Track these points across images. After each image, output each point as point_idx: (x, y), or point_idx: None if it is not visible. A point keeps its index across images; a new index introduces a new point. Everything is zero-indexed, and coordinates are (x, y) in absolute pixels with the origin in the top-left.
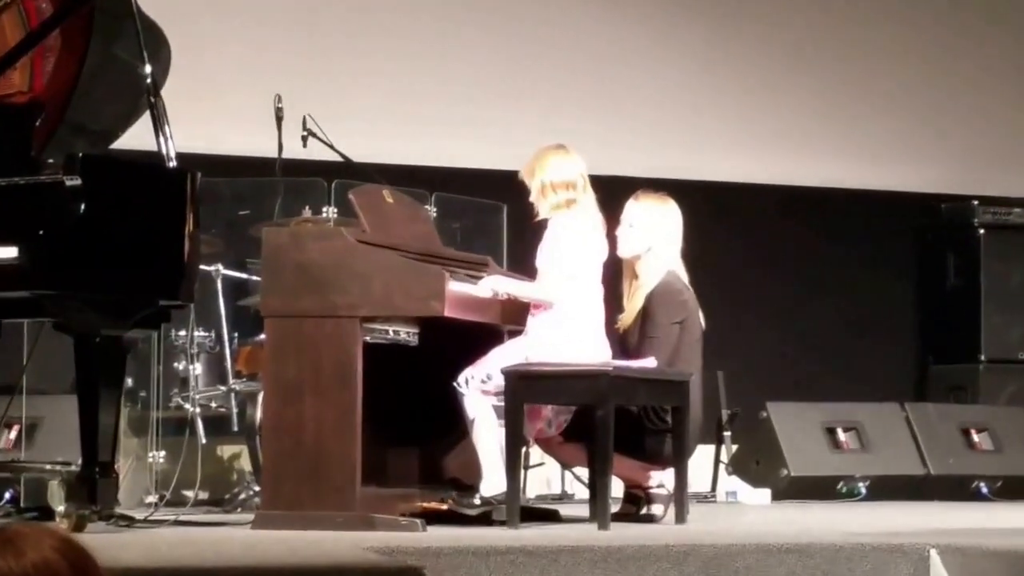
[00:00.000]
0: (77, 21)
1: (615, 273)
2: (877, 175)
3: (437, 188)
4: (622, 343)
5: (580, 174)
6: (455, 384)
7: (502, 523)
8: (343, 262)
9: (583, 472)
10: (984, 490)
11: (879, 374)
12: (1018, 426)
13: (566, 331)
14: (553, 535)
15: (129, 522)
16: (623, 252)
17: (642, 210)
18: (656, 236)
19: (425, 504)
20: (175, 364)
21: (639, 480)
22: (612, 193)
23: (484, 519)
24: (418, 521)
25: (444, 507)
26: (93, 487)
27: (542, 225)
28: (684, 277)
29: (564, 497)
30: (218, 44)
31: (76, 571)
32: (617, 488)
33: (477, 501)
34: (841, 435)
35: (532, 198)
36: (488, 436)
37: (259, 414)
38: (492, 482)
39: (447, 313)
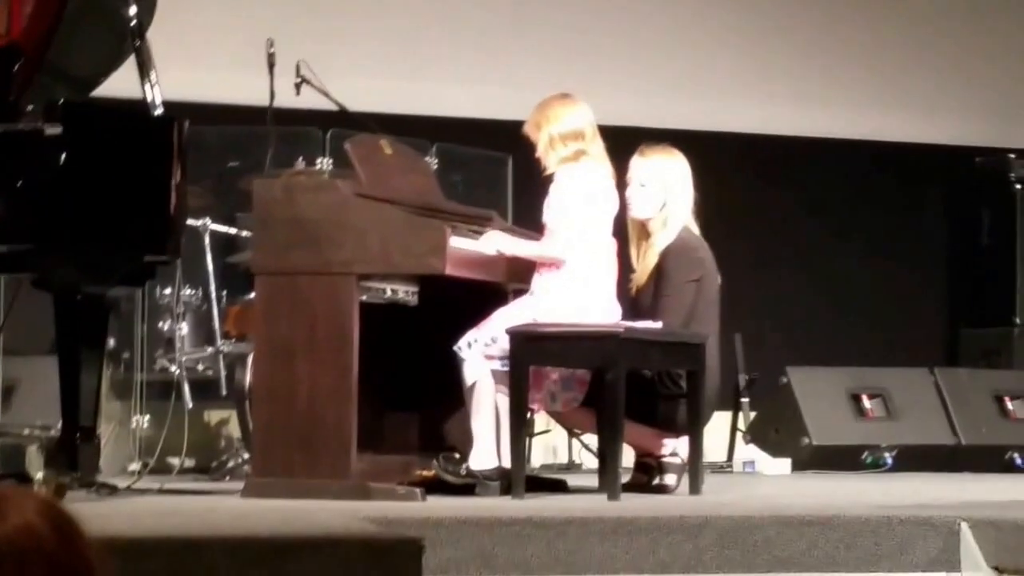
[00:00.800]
0: None
1: (622, 233)
2: (907, 126)
3: (438, 138)
4: (634, 305)
5: (588, 123)
6: (456, 348)
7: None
8: (338, 216)
9: (592, 440)
10: (1018, 461)
11: (907, 337)
12: None
13: (575, 291)
14: (560, 506)
15: (111, 490)
16: (637, 213)
17: (652, 166)
18: (669, 192)
19: (420, 472)
20: (160, 324)
21: (651, 448)
22: (622, 144)
23: (467, 490)
24: (417, 490)
25: (429, 473)
26: (74, 453)
27: (550, 178)
28: (697, 233)
29: (571, 466)
30: None
31: (61, 535)
32: (628, 457)
33: (463, 471)
34: (866, 402)
35: (539, 152)
36: (484, 407)
37: (249, 377)
38: (481, 457)
39: (448, 271)
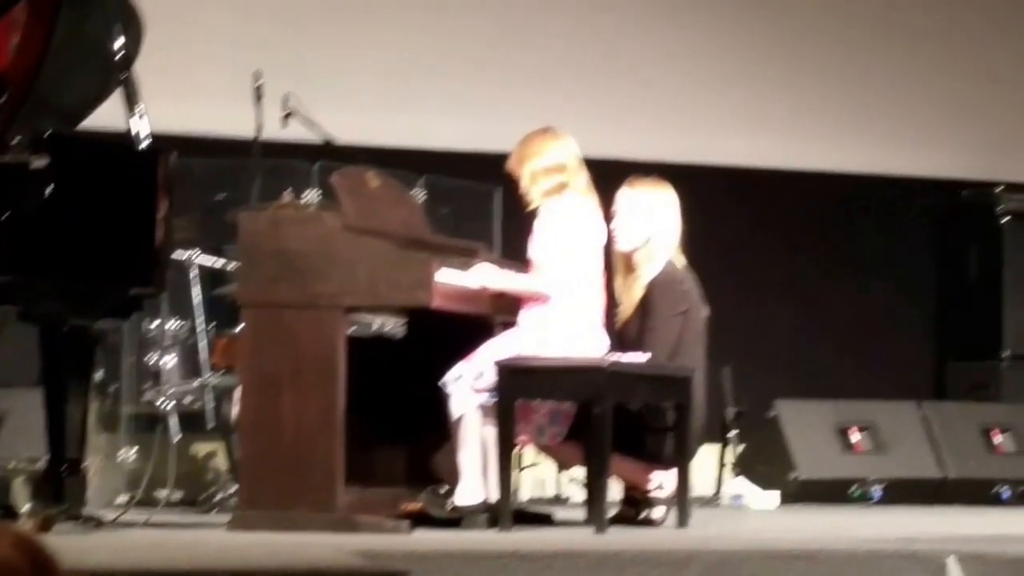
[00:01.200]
0: None
1: (608, 265)
2: (894, 159)
3: (426, 170)
4: (620, 337)
5: (571, 156)
6: (443, 382)
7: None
8: (325, 249)
9: (579, 473)
10: (1006, 495)
11: (895, 371)
12: None
13: (562, 324)
14: (547, 539)
15: (98, 523)
16: (623, 245)
17: (638, 198)
18: (655, 225)
19: (407, 505)
20: (147, 356)
21: (638, 481)
22: (606, 177)
23: (454, 523)
24: (404, 524)
25: (416, 507)
26: (60, 486)
27: (535, 213)
28: (684, 266)
29: (559, 499)
30: (194, 17)
31: (36, 569)
32: (615, 490)
33: (449, 506)
34: (854, 435)
35: (523, 187)
36: (471, 441)
37: (236, 410)
38: (468, 490)
39: (435, 304)
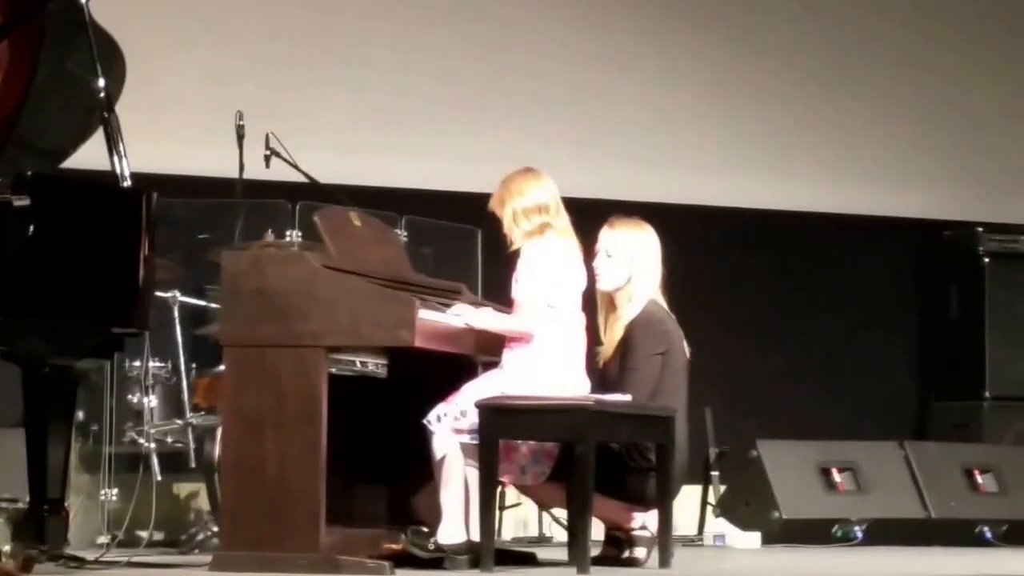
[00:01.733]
0: (27, 33)
1: (590, 305)
2: (876, 200)
3: (408, 211)
4: (602, 377)
5: (552, 196)
6: (425, 422)
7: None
8: (307, 288)
9: (562, 513)
10: (988, 535)
11: (877, 411)
12: None
13: (544, 364)
14: None
15: (79, 563)
16: (604, 285)
17: (619, 238)
18: (636, 265)
19: (389, 546)
20: (129, 396)
21: (621, 522)
22: (587, 217)
23: (436, 564)
24: (386, 564)
25: (398, 547)
26: (41, 526)
27: (517, 253)
28: (665, 306)
29: (542, 539)
30: (176, 57)
31: None
32: (597, 530)
33: (431, 546)
34: (836, 475)
35: (505, 228)
36: (454, 481)
37: (218, 450)
38: (450, 530)
39: (418, 343)
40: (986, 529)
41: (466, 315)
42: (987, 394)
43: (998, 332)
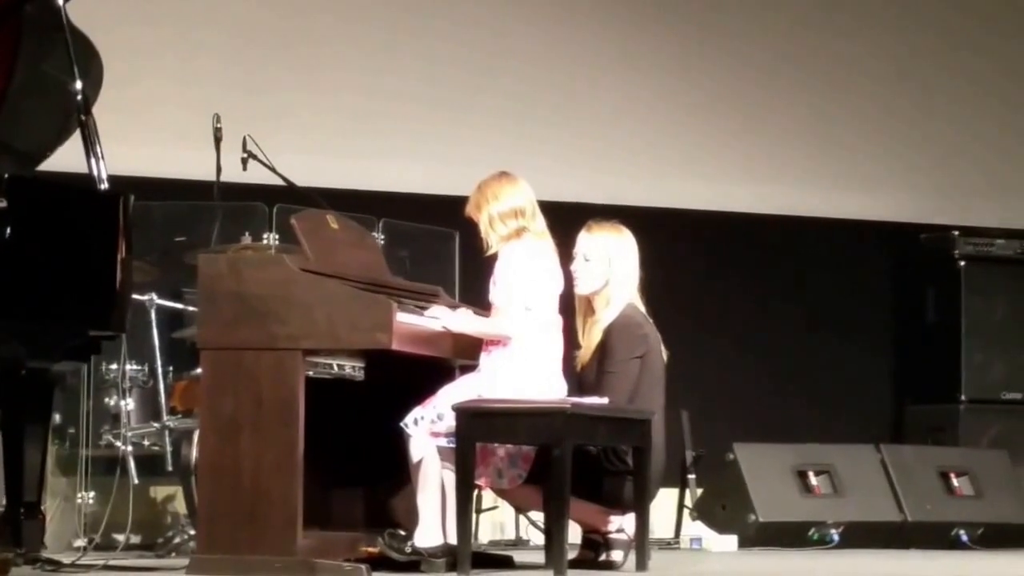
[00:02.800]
0: (4, 35)
1: (568, 309)
2: (853, 204)
3: (385, 214)
4: (580, 381)
5: (529, 200)
6: (402, 425)
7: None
8: (284, 291)
9: (539, 516)
10: (964, 538)
11: (853, 414)
12: (1000, 470)
13: (522, 368)
14: None
15: (56, 567)
16: (581, 289)
17: (597, 242)
18: (614, 269)
19: (366, 549)
20: (106, 399)
21: (597, 525)
22: (565, 221)
23: (413, 567)
24: (363, 567)
25: (375, 550)
26: (18, 529)
27: (495, 257)
28: (643, 310)
29: (518, 542)
30: (153, 60)
31: None
32: (574, 533)
33: (408, 549)
34: (812, 479)
35: (481, 232)
36: (430, 484)
37: (195, 453)
38: (427, 534)
39: (395, 346)
40: (962, 532)
41: (443, 317)
42: (963, 397)
43: (974, 336)
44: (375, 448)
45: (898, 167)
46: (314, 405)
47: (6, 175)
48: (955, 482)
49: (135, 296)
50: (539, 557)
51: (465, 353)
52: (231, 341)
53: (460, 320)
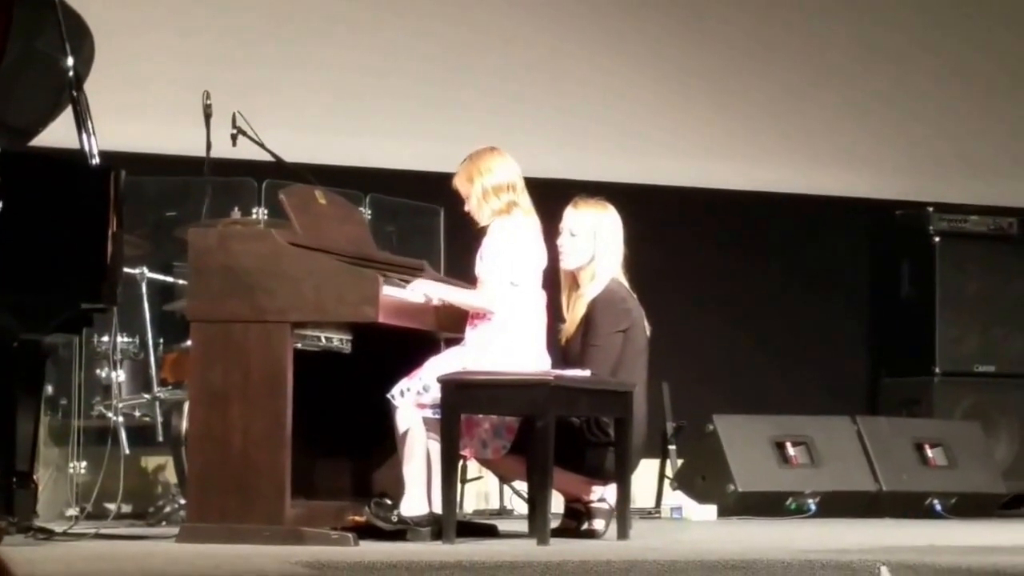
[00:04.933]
0: None
1: (552, 283)
2: (830, 180)
3: (372, 190)
4: (564, 354)
5: (518, 176)
6: (389, 396)
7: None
8: (273, 265)
9: (522, 486)
10: (938, 507)
11: (830, 386)
12: (973, 441)
13: (506, 341)
14: (491, 550)
15: (48, 535)
16: (567, 264)
17: (583, 218)
18: (599, 244)
19: (353, 517)
20: (97, 371)
21: (580, 494)
22: (550, 197)
23: (399, 535)
24: (350, 535)
25: (362, 519)
26: (10, 498)
27: (482, 231)
28: (626, 285)
29: (503, 512)
30: (144, 37)
31: None
32: (557, 503)
33: (394, 518)
34: (790, 449)
35: (471, 206)
36: (416, 454)
37: (185, 423)
38: (412, 503)
39: (381, 319)
40: (936, 501)
41: (426, 287)
42: (937, 370)
43: (948, 310)
44: (362, 419)
45: (875, 145)
46: (302, 377)
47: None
48: (929, 453)
49: (126, 269)
50: (523, 526)
51: (451, 326)
52: (220, 314)
53: (439, 288)
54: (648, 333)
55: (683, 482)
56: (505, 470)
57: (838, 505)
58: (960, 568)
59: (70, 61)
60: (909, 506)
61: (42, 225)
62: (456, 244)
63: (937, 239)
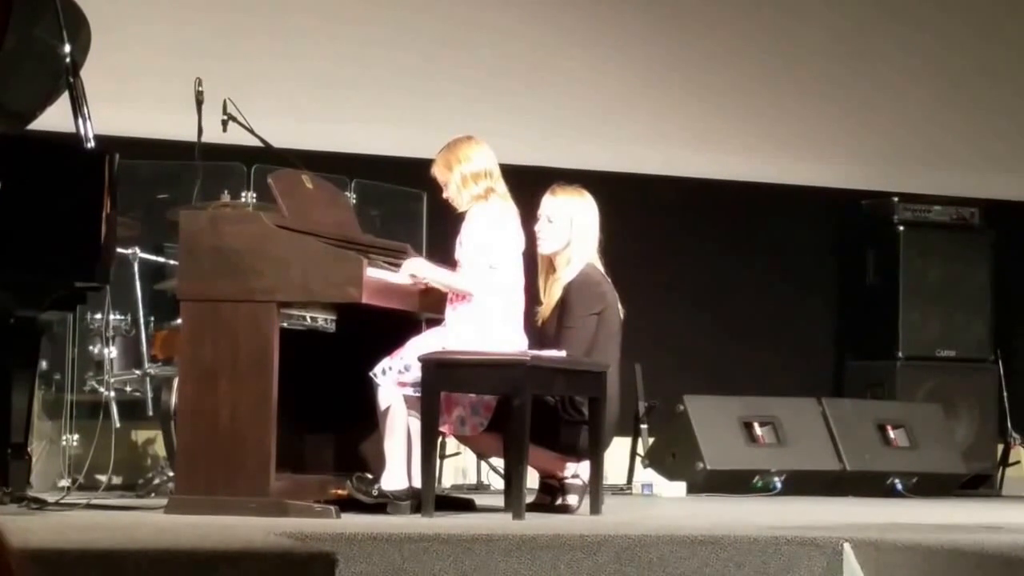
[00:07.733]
0: None
1: (531, 268)
2: (798, 170)
3: (357, 175)
4: (540, 335)
5: (494, 163)
6: (371, 374)
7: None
8: (260, 247)
9: (499, 462)
10: (899, 487)
11: (797, 369)
12: (934, 423)
13: (485, 323)
14: (468, 524)
15: (41, 505)
16: (544, 249)
17: (560, 204)
18: (575, 230)
19: (335, 491)
20: (90, 347)
21: (554, 471)
22: (529, 184)
23: (379, 508)
24: (332, 508)
25: (344, 492)
26: (5, 469)
27: (462, 216)
28: (601, 269)
29: (480, 487)
30: (139, 25)
31: None
32: (532, 478)
33: (375, 492)
34: (757, 429)
35: (449, 192)
36: (397, 430)
37: (174, 399)
38: (393, 477)
39: (365, 300)
40: (897, 481)
41: (411, 267)
42: (900, 354)
43: (911, 296)
44: (345, 396)
45: (843, 137)
46: (288, 355)
47: None
48: (891, 434)
49: (119, 250)
50: (499, 501)
51: (431, 307)
52: (210, 293)
53: (426, 268)
54: (622, 316)
55: (654, 460)
56: (482, 447)
57: (803, 483)
58: (920, 545)
59: (67, 48)
60: (872, 485)
61: (39, 206)
62: (438, 228)
63: (901, 228)
